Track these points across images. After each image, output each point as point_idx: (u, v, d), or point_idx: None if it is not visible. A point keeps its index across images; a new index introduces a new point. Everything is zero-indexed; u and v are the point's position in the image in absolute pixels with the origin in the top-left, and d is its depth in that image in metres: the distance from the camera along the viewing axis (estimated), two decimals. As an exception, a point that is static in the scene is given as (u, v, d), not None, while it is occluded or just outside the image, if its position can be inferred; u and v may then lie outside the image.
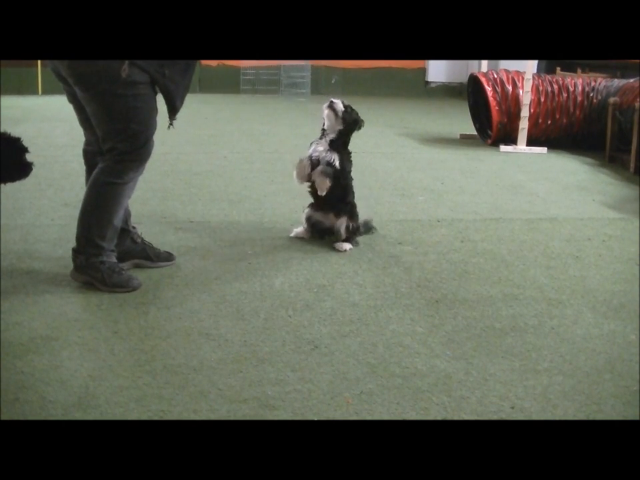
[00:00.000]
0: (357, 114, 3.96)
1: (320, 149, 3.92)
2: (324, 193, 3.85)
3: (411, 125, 8.95)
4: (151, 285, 3.32)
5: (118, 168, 3.20)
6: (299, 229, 4.09)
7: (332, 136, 3.91)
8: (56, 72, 3.22)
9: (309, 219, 4.05)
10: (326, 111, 3.90)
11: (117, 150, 3.17)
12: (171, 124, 3.31)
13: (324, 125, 3.95)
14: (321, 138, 3.95)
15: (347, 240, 3.93)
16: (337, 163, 3.87)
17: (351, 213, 3.98)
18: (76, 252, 3.28)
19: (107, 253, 3.27)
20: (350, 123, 3.91)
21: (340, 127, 3.89)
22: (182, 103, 3.29)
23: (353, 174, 4.04)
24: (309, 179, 3.91)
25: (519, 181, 5.88)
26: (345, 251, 3.89)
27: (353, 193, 4.03)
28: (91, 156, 3.39)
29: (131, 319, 2.95)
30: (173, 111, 3.27)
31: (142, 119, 3.17)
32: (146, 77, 3.11)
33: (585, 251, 4.03)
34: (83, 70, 3.04)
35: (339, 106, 3.88)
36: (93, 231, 3.23)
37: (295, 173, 3.94)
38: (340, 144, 3.92)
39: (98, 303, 3.11)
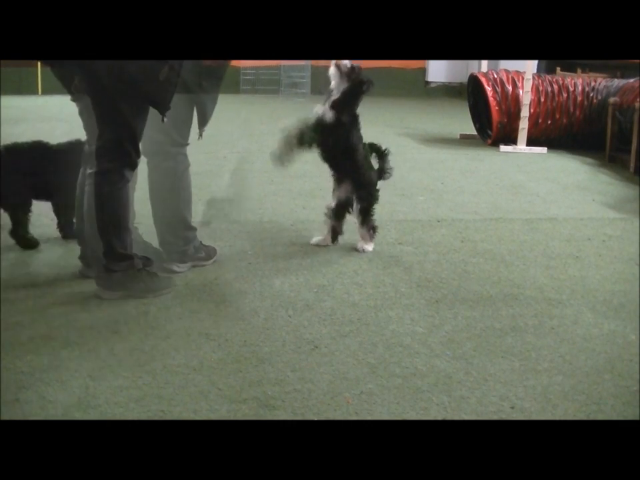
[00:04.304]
0: (365, 76, 3.72)
1: (319, 111, 3.70)
2: (282, 163, 3.65)
3: (411, 124, 8.95)
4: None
5: (111, 175, 3.06)
6: (319, 237, 3.97)
7: (336, 96, 3.69)
8: (60, 71, 3.19)
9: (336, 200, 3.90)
10: (331, 69, 3.69)
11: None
12: (200, 135, 3.40)
13: (330, 86, 3.76)
14: (325, 101, 3.74)
15: (365, 226, 3.88)
16: (328, 118, 3.63)
17: (363, 187, 3.88)
18: (109, 269, 3.12)
19: (136, 260, 3.17)
20: (356, 83, 3.68)
21: (344, 85, 3.68)
22: (211, 114, 3.38)
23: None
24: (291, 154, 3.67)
25: (519, 181, 5.88)
26: (365, 251, 3.86)
27: (369, 171, 3.94)
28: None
29: (131, 319, 2.95)
30: (203, 121, 3.36)
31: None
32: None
33: (584, 251, 4.02)
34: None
35: (345, 63, 3.65)
36: (114, 242, 3.09)
37: (277, 147, 3.67)
38: (344, 106, 3.69)
39: (98, 302, 3.10)
